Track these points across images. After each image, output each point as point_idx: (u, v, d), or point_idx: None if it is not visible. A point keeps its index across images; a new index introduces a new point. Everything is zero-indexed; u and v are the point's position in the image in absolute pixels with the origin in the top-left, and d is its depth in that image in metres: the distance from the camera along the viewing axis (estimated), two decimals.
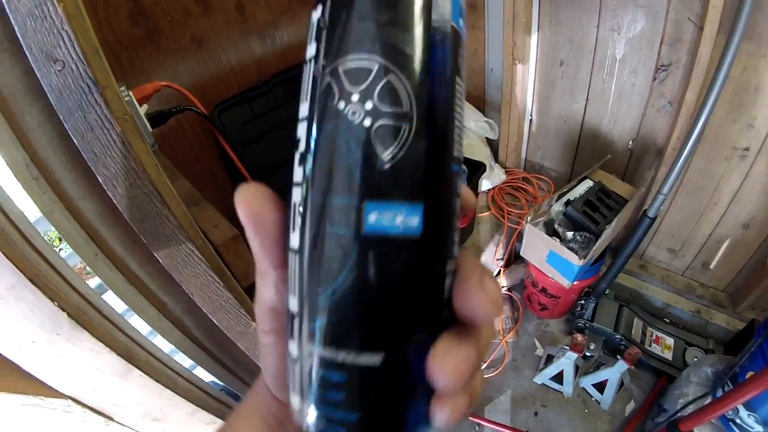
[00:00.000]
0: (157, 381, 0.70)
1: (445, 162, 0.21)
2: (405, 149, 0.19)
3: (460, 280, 0.22)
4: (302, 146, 0.21)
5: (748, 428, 1.12)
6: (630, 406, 1.66)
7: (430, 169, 0.20)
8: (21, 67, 0.58)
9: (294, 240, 0.21)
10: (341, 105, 0.19)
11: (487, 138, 1.91)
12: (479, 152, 1.84)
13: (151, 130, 0.76)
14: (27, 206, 0.62)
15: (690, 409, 1.13)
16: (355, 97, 0.19)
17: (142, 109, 0.75)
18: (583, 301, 1.78)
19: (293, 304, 0.22)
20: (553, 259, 1.51)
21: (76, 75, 0.45)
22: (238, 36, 1.15)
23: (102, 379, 0.64)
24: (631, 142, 1.67)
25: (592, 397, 1.70)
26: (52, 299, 0.54)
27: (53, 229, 0.64)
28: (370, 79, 0.19)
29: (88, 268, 0.71)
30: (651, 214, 1.39)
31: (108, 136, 0.50)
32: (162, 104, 0.94)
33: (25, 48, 0.42)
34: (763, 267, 1.54)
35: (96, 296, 0.65)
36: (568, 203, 1.54)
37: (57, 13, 0.41)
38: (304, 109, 0.21)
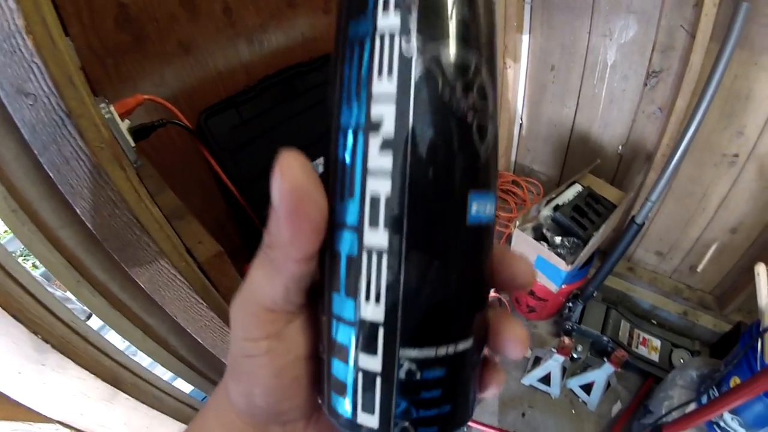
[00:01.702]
0: (143, 402, 0.71)
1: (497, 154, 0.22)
2: (491, 144, 0.20)
3: (502, 252, 0.23)
4: (390, 130, 0.19)
5: (732, 431, 1.14)
6: (616, 407, 1.68)
7: (496, 157, 0.21)
8: None
9: (376, 238, 0.19)
10: (446, 95, 0.18)
11: None
12: None
13: (134, 145, 0.75)
14: (3, 235, 0.61)
15: (675, 414, 1.14)
16: (459, 90, 0.19)
17: (124, 125, 0.73)
18: (571, 304, 1.79)
19: (375, 313, 0.20)
20: (541, 264, 1.52)
21: (48, 108, 0.44)
22: (226, 41, 1.13)
23: (89, 403, 0.64)
24: (620, 148, 1.67)
25: (579, 398, 1.72)
26: (36, 333, 0.54)
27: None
28: (471, 73, 0.19)
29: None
30: (639, 220, 1.40)
31: (84, 167, 0.49)
32: (150, 113, 0.92)
33: None
34: (750, 270, 1.54)
35: (81, 323, 0.65)
36: (557, 208, 1.55)
37: (26, 46, 0.39)
38: (386, 88, 0.18)
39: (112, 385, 0.64)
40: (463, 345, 0.21)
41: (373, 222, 0.19)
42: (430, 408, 0.20)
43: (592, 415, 1.67)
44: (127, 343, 0.79)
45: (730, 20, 1.07)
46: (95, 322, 0.74)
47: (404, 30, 0.18)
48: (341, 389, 0.21)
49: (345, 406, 0.21)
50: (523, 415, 1.70)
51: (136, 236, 0.55)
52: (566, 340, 1.51)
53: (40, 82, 0.42)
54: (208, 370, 1.01)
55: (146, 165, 0.80)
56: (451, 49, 0.18)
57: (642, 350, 1.73)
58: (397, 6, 0.18)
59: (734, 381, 1.15)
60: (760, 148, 1.36)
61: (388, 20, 0.18)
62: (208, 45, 1.09)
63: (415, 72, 0.18)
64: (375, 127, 0.19)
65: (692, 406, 1.21)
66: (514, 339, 0.23)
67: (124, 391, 0.67)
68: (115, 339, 0.78)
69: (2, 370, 0.55)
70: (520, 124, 1.90)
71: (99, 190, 0.51)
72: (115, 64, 0.92)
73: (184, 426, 0.77)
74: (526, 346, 0.23)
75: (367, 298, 0.20)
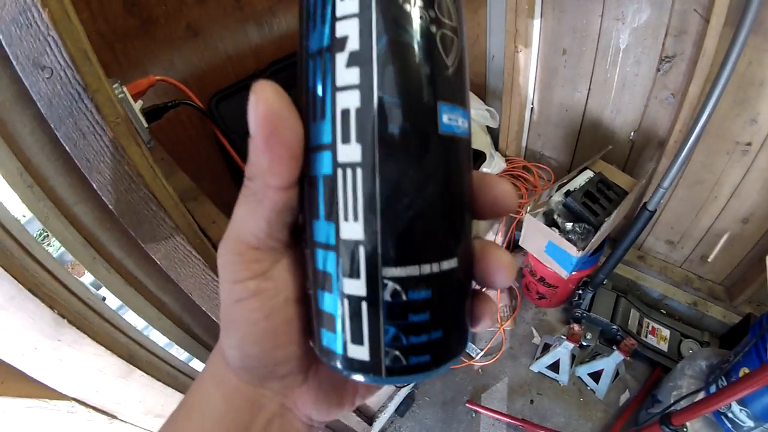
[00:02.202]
0: (158, 379, 0.71)
1: (468, 77, 0.22)
2: (458, 58, 0.20)
3: (482, 176, 0.23)
4: (355, 45, 0.19)
5: (740, 423, 1.14)
6: (624, 396, 1.69)
7: (467, 77, 0.21)
8: (9, 76, 0.57)
9: (350, 153, 0.19)
10: (407, 7, 0.19)
11: (487, 126, 1.89)
12: (479, 140, 1.82)
13: (146, 126, 0.75)
14: (22, 213, 0.61)
15: (683, 403, 1.14)
16: (419, 2, 0.19)
17: (137, 105, 0.73)
18: (580, 291, 1.79)
19: (353, 232, 0.19)
20: (551, 250, 1.52)
21: (65, 81, 0.44)
22: (235, 24, 1.12)
23: (105, 380, 0.65)
24: (632, 134, 1.66)
25: (587, 386, 1.72)
26: (52, 307, 0.54)
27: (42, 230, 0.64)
28: None
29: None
30: (651, 207, 1.39)
31: (100, 142, 0.49)
32: (159, 97, 0.92)
33: (11, 56, 0.41)
34: (761, 262, 1.54)
35: (96, 300, 0.65)
36: (568, 194, 1.54)
37: (42, 19, 0.39)
38: (348, 6, 0.19)
39: (128, 361, 0.65)
40: (448, 264, 0.20)
41: (346, 137, 0.19)
42: (420, 333, 0.20)
43: (600, 403, 1.68)
44: (142, 321, 0.79)
45: (745, 4, 1.05)
46: (113, 302, 0.74)
47: None
48: (329, 323, 0.21)
49: (335, 341, 0.21)
50: (532, 402, 1.71)
51: (153, 212, 0.55)
52: (576, 327, 1.51)
53: (56, 56, 0.42)
54: None
55: (158, 148, 0.80)
56: None
57: (651, 340, 1.73)
58: None
59: (743, 371, 1.14)
60: None
61: None
62: (216, 28, 1.09)
63: None
64: (340, 44, 0.19)
65: (701, 396, 1.21)
66: (498, 265, 0.22)
67: (140, 368, 0.67)
68: (130, 317, 0.78)
69: (18, 345, 0.55)
70: (531, 109, 1.89)
71: (116, 164, 0.51)
72: (124, 49, 0.92)
73: None
74: (511, 273, 0.23)
75: (346, 217, 0.19)
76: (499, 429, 1.65)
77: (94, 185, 0.52)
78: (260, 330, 0.22)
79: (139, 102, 0.76)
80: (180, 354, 0.90)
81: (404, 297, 0.19)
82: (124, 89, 0.69)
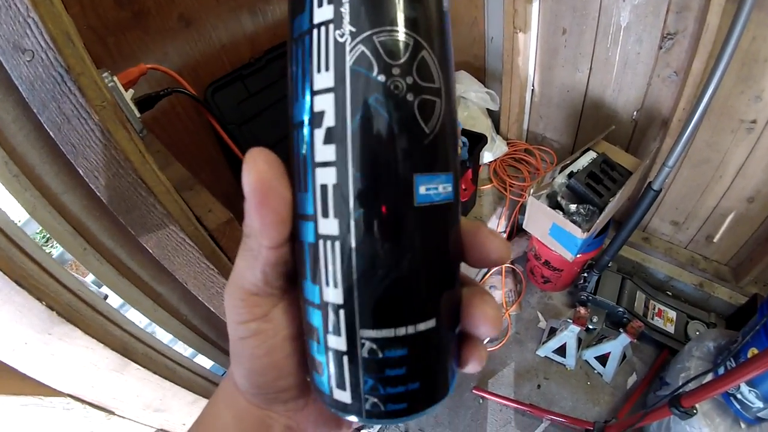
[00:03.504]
0: (155, 373, 0.69)
1: (458, 132, 0.23)
2: (439, 123, 0.20)
3: (474, 230, 0.24)
4: (331, 120, 0.19)
5: (749, 404, 1.13)
6: (632, 379, 1.68)
7: (454, 139, 0.22)
8: None
9: (329, 226, 0.20)
10: (381, 78, 0.19)
11: (487, 109, 1.87)
12: (480, 124, 1.80)
13: (139, 115, 0.74)
14: (10, 206, 0.59)
15: (692, 385, 1.13)
16: (395, 71, 0.19)
17: (129, 94, 0.72)
18: (586, 274, 1.78)
19: (333, 296, 0.21)
20: (556, 232, 1.50)
21: (46, 64, 0.43)
22: (228, 13, 1.11)
23: (99, 374, 0.63)
24: (635, 113, 1.63)
25: (594, 369, 1.71)
26: (40, 299, 0.53)
27: (40, 229, 0.63)
28: (408, 53, 0.19)
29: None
30: (656, 186, 1.36)
31: (86, 125, 0.48)
32: (153, 88, 0.91)
33: None
34: (767, 241, 1.52)
35: (88, 291, 0.63)
36: (571, 175, 1.52)
37: (21, 1, 0.38)
38: (324, 79, 0.19)
39: (122, 354, 0.63)
40: (425, 325, 0.21)
41: (325, 212, 0.20)
42: (397, 385, 0.21)
43: (608, 386, 1.67)
44: (136, 312, 0.78)
45: None
46: (114, 300, 0.73)
47: (337, 19, 0.19)
48: (318, 368, 0.22)
49: (323, 383, 0.22)
50: (539, 386, 1.70)
51: (142, 197, 0.53)
52: (582, 310, 1.50)
53: (37, 38, 0.42)
54: (219, 339, 1.01)
55: (153, 140, 0.79)
56: (385, 31, 0.19)
57: (657, 322, 1.72)
58: (329, 0, 0.19)
59: (752, 352, 1.13)
60: None
61: (323, 13, 0.19)
62: (209, 18, 1.08)
63: (349, 57, 0.19)
64: (318, 120, 0.19)
65: (709, 377, 1.20)
66: (483, 319, 0.24)
67: (135, 362, 0.65)
68: (124, 308, 0.76)
69: (8, 340, 0.53)
70: (532, 90, 1.85)
71: (102, 149, 0.50)
72: (116, 42, 0.90)
73: (196, 396, 0.77)
74: (496, 327, 0.24)
75: (327, 283, 0.21)
76: (506, 414, 1.64)
77: (81, 171, 0.50)
78: (263, 364, 0.24)
79: (131, 91, 0.75)
80: (178, 346, 0.89)
81: (380, 355, 0.21)
82: (115, 78, 0.68)
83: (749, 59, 1.27)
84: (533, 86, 1.84)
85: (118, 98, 0.67)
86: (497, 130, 1.96)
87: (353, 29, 0.19)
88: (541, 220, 1.52)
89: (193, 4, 1.01)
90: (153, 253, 0.59)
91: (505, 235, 1.91)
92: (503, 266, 1.98)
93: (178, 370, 0.76)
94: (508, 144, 1.93)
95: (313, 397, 0.28)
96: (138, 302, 0.77)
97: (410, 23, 0.19)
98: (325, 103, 0.19)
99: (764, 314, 1.14)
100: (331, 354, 0.21)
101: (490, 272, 1.98)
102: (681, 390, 1.11)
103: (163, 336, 0.84)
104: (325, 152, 0.19)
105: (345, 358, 0.21)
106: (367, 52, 0.19)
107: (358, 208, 0.19)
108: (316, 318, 0.22)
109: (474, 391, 1.69)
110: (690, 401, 1.06)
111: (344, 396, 0.22)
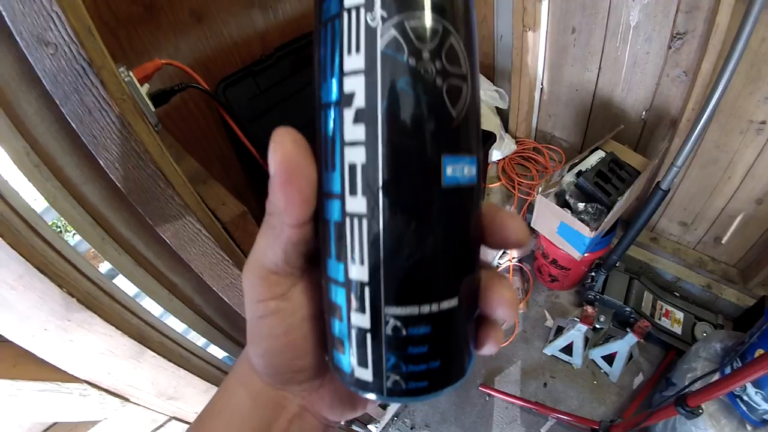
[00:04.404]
0: (170, 361, 0.71)
1: (480, 119, 0.23)
2: (466, 108, 0.21)
3: (493, 213, 0.24)
4: (361, 101, 0.20)
5: (755, 405, 1.13)
6: (638, 379, 1.68)
7: (478, 125, 0.22)
8: (13, 54, 0.57)
9: (356, 205, 0.20)
10: (412, 61, 0.19)
11: (497, 107, 1.87)
12: (489, 122, 1.80)
13: (153, 109, 0.75)
14: (31, 196, 0.61)
15: (698, 385, 1.13)
16: (425, 55, 0.19)
17: (144, 89, 0.73)
18: (593, 273, 1.78)
19: (359, 274, 0.21)
20: (564, 231, 1.50)
21: (69, 57, 0.44)
22: (239, 9, 1.11)
23: (116, 361, 0.64)
24: (644, 113, 1.63)
25: (601, 369, 1.71)
26: (61, 286, 0.54)
27: (59, 218, 0.64)
28: (438, 39, 0.20)
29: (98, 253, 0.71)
30: (664, 186, 1.37)
31: (107, 118, 0.49)
32: (165, 83, 0.92)
33: (15, 33, 0.41)
34: None
35: (106, 280, 0.64)
36: (579, 174, 1.52)
37: None
38: (354, 62, 0.20)
39: (138, 342, 0.64)
40: (448, 304, 0.22)
41: (353, 190, 0.20)
42: (419, 363, 0.22)
43: (614, 386, 1.67)
44: (152, 302, 0.79)
45: None
46: (123, 282, 0.74)
47: (368, 2, 0.19)
48: (340, 346, 0.23)
49: (344, 361, 0.23)
50: (545, 384, 1.70)
51: (161, 189, 0.54)
52: (589, 309, 1.50)
53: (60, 31, 0.42)
54: (232, 330, 1.02)
55: (167, 136, 0.80)
56: (415, 16, 0.19)
57: (665, 322, 1.72)
58: None
59: (759, 353, 1.13)
60: None
61: None
62: (220, 14, 1.08)
63: (381, 41, 0.19)
64: (348, 100, 0.20)
65: (716, 377, 1.19)
66: (501, 301, 0.24)
67: (151, 349, 0.66)
68: (140, 298, 0.78)
69: (29, 326, 0.55)
70: (541, 89, 1.86)
71: (123, 141, 0.51)
72: (128, 36, 0.91)
73: (208, 385, 0.78)
74: (513, 309, 0.24)
75: (353, 260, 0.21)
76: (512, 412, 1.65)
77: (101, 162, 0.51)
78: (281, 343, 0.25)
79: (146, 86, 0.76)
80: (192, 336, 0.90)
81: (404, 332, 0.21)
82: (130, 73, 0.69)
83: (759, 60, 1.26)
84: (542, 85, 1.85)
85: (135, 93, 0.68)
86: (506, 129, 1.96)
87: (384, 14, 0.19)
88: (549, 219, 1.52)
89: (204, 0, 1.02)
90: (170, 244, 0.60)
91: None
92: (511, 264, 1.98)
93: (192, 359, 0.77)
94: (516, 142, 1.93)
95: (329, 377, 0.28)
96: (154, 292, 0.78)
97: (439, 9, 0.20)
98: (355, 85, 0.20)
99: None
100: (354, 332, 0.22)
101: (498, 269, 1.98)
102: (687, 389, 1.11)
103: (177, 325, 0.85)
104: (354, 132, 0.20)
105: (368, 336, 0.21)
106: (398, 37, 0.19)
107: (387, 186, 0.20)
108: (340, 296, 0.22)
109: (480, 388, 1.69)
110: (696, 401, 1.06)
111: (366, 374, 0.22)
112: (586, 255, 1.52)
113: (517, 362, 1.78)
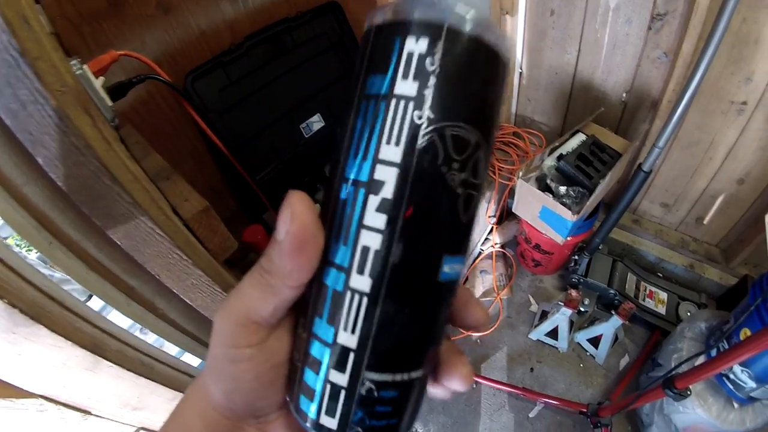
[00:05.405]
0: (129, 370, 0.67)
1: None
2: (472, 214, 0.23)
3: (466, 298, 0.27)
4: (388, 193, 0.21)
5: (742, 384, 1.13)
6: (624, 360, 1.68)
7: (474, 225, 0.24)
8: None
9: (361, 283, 0.21)
10: (444, 169, 0.21)
11: None
12: None
13: (111, 104, 0.71)
14: None
15: (685, 367, 1.12)
16: (455, 165, 0.21)
17: (99, 82, 0.69)
18: (576, 257, 1.77)
19: (348, 340, 0.22)
20: (546, 215, 1.49)
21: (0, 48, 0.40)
22: None
23: (70, 374, 0.61)
24: (624, 95, 1.61)
25: (587, 351, 1.71)
26: (1, 297, 0.50)
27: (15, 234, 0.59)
28: (470, 150, 0.21)
29: None
30: (646, 168, 1.35)
31: (43, 112, 0.45)
32: (129, 75, 0.88)
33: None
34: (757, 223, 1.51)
35: (56, 287, 0.60)
36: (560, 158, 1.50)
37: None
38: (391, 152, 0.20)
39: (92, 352, 0.61)
40: (416, 374, 0.24)
41: (360, 269, 0.21)
42: (381, 419, 0.23)
43: (600, 368, 1.67)
44: (109, 307, 0.75)
45: None
46: (74, 289, 0.70)
47: (419, 99, 0.20)
48: (310, 394, 0.24)
49: (310, 408, 0.24)
50: (532, 370, 1.70)
51: (106, 186, 0.50)
52: (573, 292, 1.49)
53: None
54: (200, 333, 0.98)
55: (132, 132, 0.77)
56: (458, 126, 0.20)
57: (649, 303, 1.72)
58: (416, 76, 0.20)
59: (744, 333, 1.13)
60: None
61: (405, 87, 0.20)
62: (188, 4, 1.05)
63: (421, 141, 0.20)
64: (376, 187, 0.21)
65: (702, 359, 1.19)
66: (457, 376, 0.26)
67: (107, 359, 0.63)
68: (95, 304, 0.74)
69: None
70: (520, 73, 1.83)
71: (61, 136, 0.47)
72: (92, 31, 0.88)
73: (175, 393, 0.75)
74: (467, 383, 0.27)
75: (345, 328, 0.22)
76: (500, 398, 1.64)
77: (40, 160, 0.48)
78: (247, 386, 0.25)
79: (101, 79, 0.72)
80: (156, 342, 0.86)
81: (376, 394, 0.23)
82: (84, 66, 0.65)
83: (740, 41, 1.25)
84: (521, 69, 1.82)
85: (87, 86, 0.64)
86: None
87: (431, 115, 0.20)
88: (531, 204, 1.51)
89: None
90: (121, 245, 0.57)
91: (495, 219, 1.89)
92: (494, 250, 1.97)
93: (156, 367, 0.73)
94: None
95: (286, 412, 0.28)
96: (110, 297, 0.74)
97: (480, 123, 0.21)
98: (387, 176, 0.20)
99: (756, 296, 1.13)
100: (329, 386, 0.23)
101: (481, 257, 1.97)
102: (674, 372, 1.10)
103: (138, 331, 0.81)
104: (376, 219, 0.21)
105: (343, 392, 0.23)
106: (438, 141, 0.20)
107: (393, 275, 0.21)
108: (323, 354, 0.23)
109: None
110: (684, 383, 1.05)
111: (330, 423, 0.23)
112: (568, 239, 1.50)
113: (502, 348, 1.77)
